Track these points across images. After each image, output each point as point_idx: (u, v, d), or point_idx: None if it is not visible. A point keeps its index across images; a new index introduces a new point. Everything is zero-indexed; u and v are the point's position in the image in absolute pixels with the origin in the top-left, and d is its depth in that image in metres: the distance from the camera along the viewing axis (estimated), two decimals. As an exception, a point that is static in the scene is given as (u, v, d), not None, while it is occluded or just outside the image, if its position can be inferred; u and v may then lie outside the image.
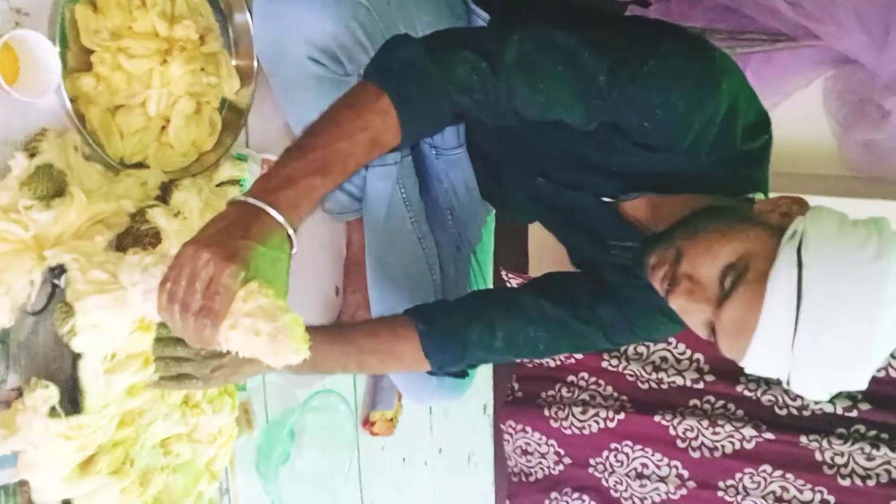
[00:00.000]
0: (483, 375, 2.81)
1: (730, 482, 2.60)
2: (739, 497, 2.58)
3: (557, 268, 1.54)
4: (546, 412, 2.79)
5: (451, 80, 1.07)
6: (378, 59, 1.12)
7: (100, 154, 1.20)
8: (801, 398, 2.47)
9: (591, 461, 2.80)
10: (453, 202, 1.70)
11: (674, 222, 1.18)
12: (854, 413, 2.42)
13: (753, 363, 1.06)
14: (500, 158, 1.56)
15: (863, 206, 2.28)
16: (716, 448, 2.59)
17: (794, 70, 2.44)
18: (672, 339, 2.68)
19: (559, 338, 1.44)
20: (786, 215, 1.11)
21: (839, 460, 2.44)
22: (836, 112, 2.50)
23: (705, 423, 2.56)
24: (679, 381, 2.63)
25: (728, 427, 2.53)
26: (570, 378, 2.84)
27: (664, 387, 2.68)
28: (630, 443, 2.70)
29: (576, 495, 2.84)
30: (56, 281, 1.09)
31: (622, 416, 2.68)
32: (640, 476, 2.72)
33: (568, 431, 2.76)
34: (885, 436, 2.39)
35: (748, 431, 2.51)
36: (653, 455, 2.69)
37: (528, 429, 2.85)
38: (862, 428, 2.43)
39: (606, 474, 2.78)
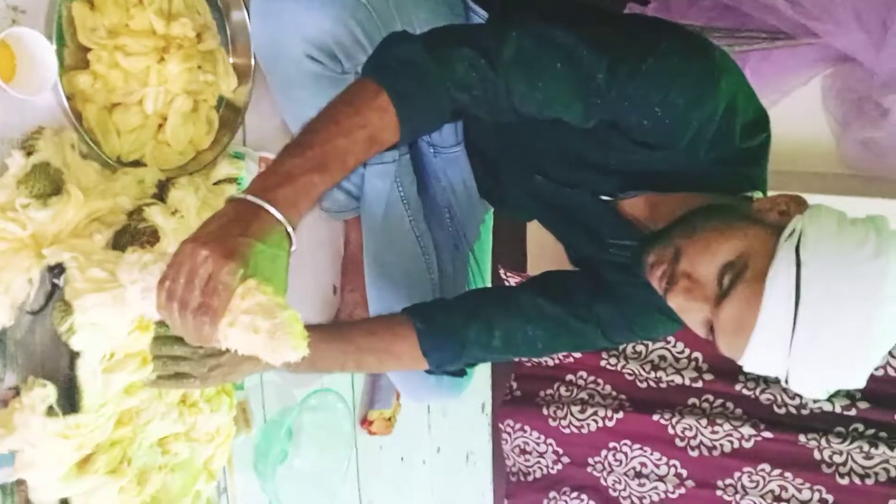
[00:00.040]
0: (481, 374, 2.81)
1: (728, 481, 2.60)
2: (738, 496, 2.58)
3: (556, 266, 1.54)
4: (544, 411, 2.79)
5: (450, 76, 1.07)
6: (376, 57, 1.12)
7: (97, 152, 1.20)
8: (800, 397, 2.47)
9: (590, 460, 2.80)
10: (451, 200, 1.70)
11: (672, 220, 1.18)
12: (852, 412, 2.42)
13: (752, 362, 1.06)
14: (499, 156, 1.56)
15: (861, 204, 2.28)
16: (714, 447, 2.59)
17: (792, 68, 2.45)
18: (671, 338, 2.68)
19: (557, 336, 1.44)
20: (784, 214, 1.11)
21: (838, 459, 2.44)
22: (835, 110, 2.50)
23: (704, 421, 2.56)
24: (678, 379, 2.63)
25: (727, 426, 2.53)
26: (569, 377, 2.84)
27: (663, 386, 2.68)
28: (629, 442, 2.70)
29: (574, 494, 2.84)
30: (56, 280, 1.09)
31: (621, 415, 2.68)
32: (638, 475, 2.72)
33: (566, 430, 2.76)
34: (883, 434, 2.39)
35: (747, 430, 2.51)
36: (651, 454, 2.69)
37: (527, 428, 2.85)
38: (860, 427, 2.43)
39: (605, 473, 2.78)
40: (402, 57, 1.07)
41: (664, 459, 2.67)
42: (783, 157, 2.51)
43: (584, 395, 2.79)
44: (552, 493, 2.87)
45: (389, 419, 2.08)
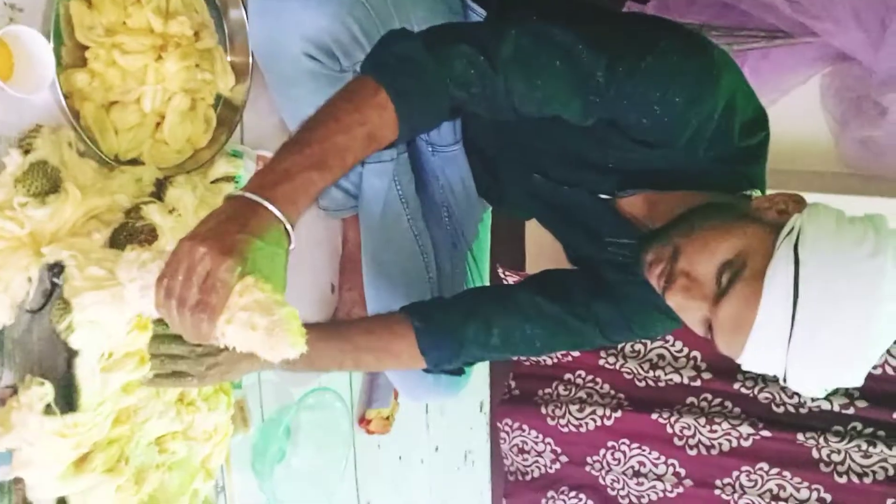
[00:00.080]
0: (480, 373, 2.81)
1: (726, 480, 2.60)
2: (736, 495, 2.58)
3: (555, 265, 1.54)
4: (543, 410, 2.79)
5: (449, 74, 1.06)
6: (375, 54, 1.12)
7: (94, 150, 1.19)
8: (798, 395, 2.47)
9: (588, 459, 2.80)
10: (449, 199, 1.69)
11: (671, 219, 1.18)
12: (851, 410, 2.42)
13: (750, 360, 1.06)
14: (497, 155, 1.56)
15: (860, 203, 2.28)
16: (713, 446, 2.59)
17: (791, 67, 2.45)
18: (669, 337, 2.68)
19: (556, 335, 1.44)
20: (783, 212, 1.11)
21: (836, 458, 2.45)
22: (834, 109, 2.51)
23: (702, 420, 2.56)
24: (676, 378, 2.63)
25: (725, 425, 2.53)
26: (567, 376, 2.84)
27: (661, 384, 2.68)
28: (627, 441, 2.70)
29: (572, 494, 2.84)
30: (56, 280, 1.09)
31: (619, 414, 2.68)
32: (636, 474, 2.72)
33: (565, 430, 2.76)
34: (881, 433, 2.39)
35: (745, 429, 2.51)
36: (650, 453, 2.69)
37: (525, 427, 2.85)
38: (859, 425, 2.43)
39: (603, 473, 2.79)
40: (401, 54, 1.07)
41: (662, 458, 2.68)
42: (782, 155, 2.51)
43: (582, 394, 2.79)
44: (550, 493, 2.87)
45: (387, 418, 2.08)
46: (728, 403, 2.60)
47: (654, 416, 2.63)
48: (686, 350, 2.66)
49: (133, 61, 1.23)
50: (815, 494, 2.49)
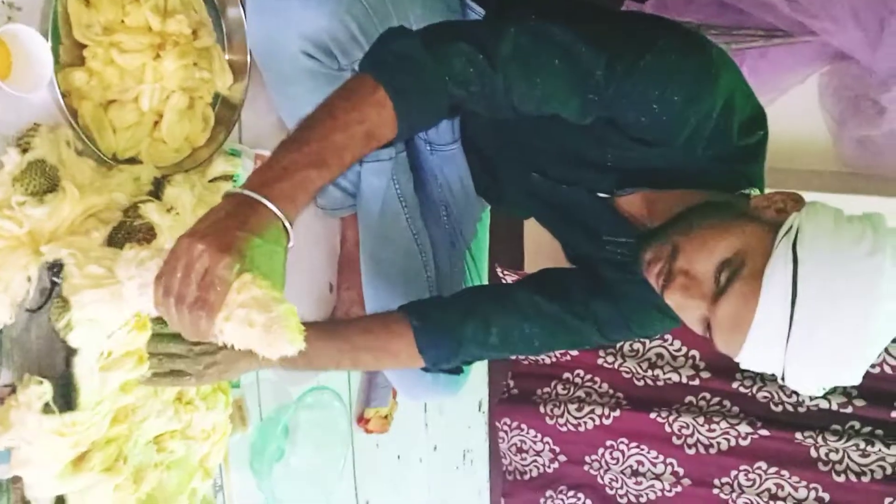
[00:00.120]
0: (478, 372, 2.81)
1: (725, 479, 2.60)
2: (734, 495, 2.59)
3: (553, 264, 1.54)
4: (541, 409, 2.79)
5: (448, 72, 1.06)
6: (374, 52, 1.11)
7: (92, 149, 1.19)
8: (797, 394, 2.48)
9: (587, 459, 2.80)
10: (448, 198, 1.69)
11: (669, 218, 1.18)
12: (849, 409, 2.42)
13: (749, 359, 1.06)
14: (495, 154, 1.56)
15: (858, 202, 2.28)
16: (711, 445, 2.59)
17: (789, 66, 2.45)
18: (668, 336, 2.68)
19: (554, 334, 1.44)
20: (781, 211, 1.11)
21: (834, 457, 2.45)
22: (832, 108, 2.51)
23: (701, 419, 2.56)
24: (675, 377, 2.63)
25: (723, 424, 2.53)
26: (566, 375, 2.84)
27: (660, 384, 2.68)
28: (625, 440, 2.70)
29: (571, 493, 2.84)
30: (56, 279, 1.09)
31: (618, 413, 2.69)
32: (635, 473, 2.72)
33: (563, 429, 2.76)
34: (879, 432, 2.40)
35: (743, 428, 2.51)
36: (648, 452, 2.69)
37: (524, 426, 2.85)
38: (857, 424, 2.43)
39: (602, 472, 2.79)
40: (400, 52, 1.07)
41: (661, 458, 2.68)
42: (780, 154, 2.51)
43: (581, 393, 2.79)
44: (549, 492, 2.87)
45: (386, 417, 2.08)
46: (726, 402, 2.60)
47: (653, 415, 2.63)
48: (685, 349, 2.66)
49: (131, 60, 1.23)
50: (813, 493, 2.49)
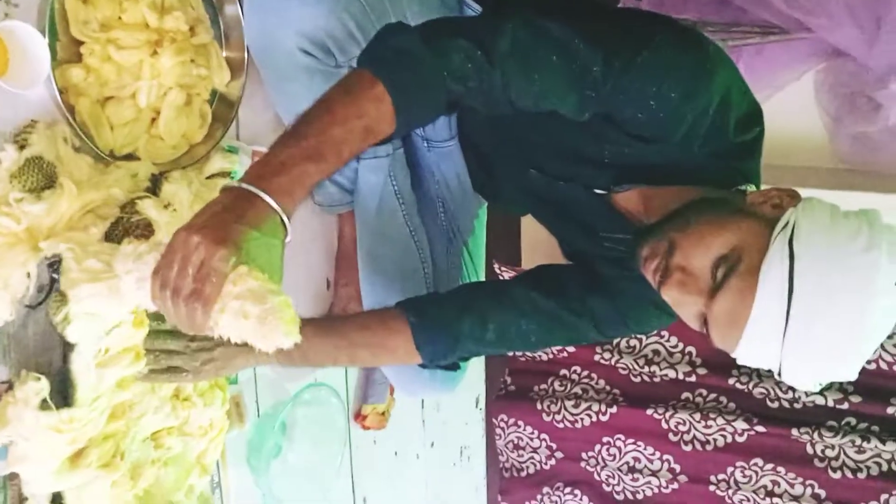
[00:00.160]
0: (475, 369, 2.81)
1: (721, 476, 2.60)
2: (731, 491, 2.59)
3: (550, 260, 1.54)
4: (538, 406, 2.79)
5: (446, 67, 1.06)
6: (372, 47, 1.12)
7: (90, 146, 1.19)
8: (793, 391, 2.48)
9: (584, 455, 2.80)
10: (445, 194, 1.70)
11: (666, 214, 1.18)
12: (845, 405, 2.42)
13: (745, 354, 1.07)
14: (493, 150, 1.56)
15: (854, 198, 2.29)
16: (708, 441, 2.59)
17: (785, 63, 2.45)
18: (664, 332, 2.68)
19: (551, 330, 1.44)
20: (778, 207, 1.11)
21: (830, 453, 2.45)
22: (828, 105, 2.51)
23: (697, 416, 2.56)
24: (671, 374, 2.64)
25: (720, 420, 2.54)
26: (563, 372, 2.84)
27: (656, 380, 2.69)
28: (622, 436, 2.71)
29: (567, 490, 2.84)
30: (54, 275, 1.09)
31: (614, 409, 2.69)
32: (632, 470, 2.72)
33: (560, 425, 2.76)
34: (875, 428, 2.40)
35: (740, 424, 2.51)
36: (645, 449, 2.69)
37: (521, 423, 2.85)
38: (853, 420, 2.43)
39: (598, 468, 2.79)
40: (399, 48, 1.07)
41: (657, 454, 2.68)
42: (776, 151, 2.51)
43: (577, 389, 2.79)
44: (546, 489, 2.87)
45: (383, 414, 2.08)
46: (723, 399, 2.60)
47: (650, 411, 2.63)
48: (681, 345, 2.66)
49: (128, 56, 1.23)
50: (809, 490, 2.49)
